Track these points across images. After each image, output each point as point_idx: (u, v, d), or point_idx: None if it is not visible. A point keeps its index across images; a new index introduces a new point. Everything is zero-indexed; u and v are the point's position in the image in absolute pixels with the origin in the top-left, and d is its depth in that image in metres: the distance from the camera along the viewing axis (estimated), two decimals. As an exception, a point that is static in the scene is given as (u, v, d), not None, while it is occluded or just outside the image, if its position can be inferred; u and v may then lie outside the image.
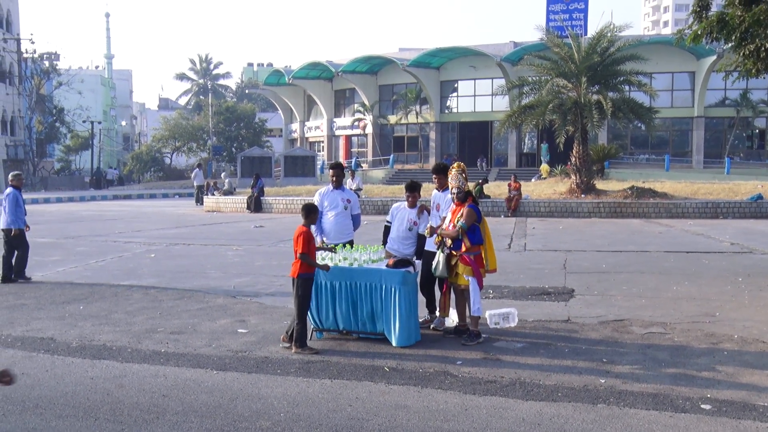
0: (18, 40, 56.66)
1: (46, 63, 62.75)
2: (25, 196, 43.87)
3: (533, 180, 38.61)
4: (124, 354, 7.38)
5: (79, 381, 6.49)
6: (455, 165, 8.07)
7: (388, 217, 8.63)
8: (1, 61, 56.05)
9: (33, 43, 74.77)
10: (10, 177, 12.93)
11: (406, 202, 8.45)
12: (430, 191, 8.71)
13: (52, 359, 7.23)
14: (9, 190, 12.57)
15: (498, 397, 6.04)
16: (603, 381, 6.38)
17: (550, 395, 6.05)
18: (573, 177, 28.19)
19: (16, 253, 12.26)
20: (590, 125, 26.02)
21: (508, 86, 30.71)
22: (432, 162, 47.81)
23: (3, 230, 12.49)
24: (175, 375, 6.66)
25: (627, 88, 28.80)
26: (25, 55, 57.58)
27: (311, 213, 7.88)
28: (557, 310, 9.40)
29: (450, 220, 7.88)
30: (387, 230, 8.53)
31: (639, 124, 32.91)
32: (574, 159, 27.91)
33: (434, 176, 8.61)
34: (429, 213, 8.43)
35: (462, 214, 7.74)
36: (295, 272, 7.44)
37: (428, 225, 8.07)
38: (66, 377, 6.61)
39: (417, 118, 53.98)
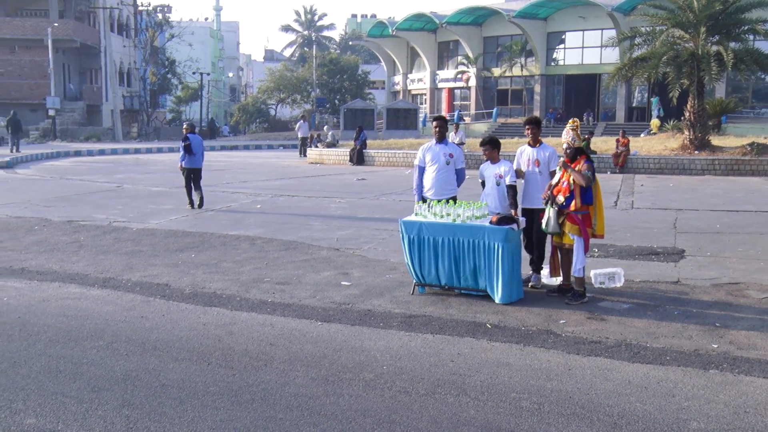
0: (134, -6, 58.62)
1: (160, 16, 64.64)
2: (139, 145, 45.65)
3: (642, 135, 37.19)
4: (234, 302, 7.66)
5: (193, 326, 6.79)
6: (570, 121, 7.86)
7: (480, 176, 8.55)
8: (120, 15, 58.16)
9: (147, -4, 76.94)
10: (185, 125, 15.89)
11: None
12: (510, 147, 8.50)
13: (167, 304, 7.59)
14: (192, 136, 15.28)
15: (603, 358, 5.94)
16: (715, 346, 6.17)
17: (658, 358, 5.90)
18: (686, 132, 26.93)
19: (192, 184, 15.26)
20: (708, 78, 24.65)
21: (619, 37, 29.36)
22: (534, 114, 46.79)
23: (193, 169, 15.21)
24: (282, 324, 6.87)
25: (751, 37, 27.06)
26: (140, 8, 59.52)
27: None
28: (666, 271, 9.10)
29: (562, 178, 7.67)
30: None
31: (763, 76, 30.97)
32: (687, 113, 26.63)
33: (527, 128, 8.39)
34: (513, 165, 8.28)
35: (580, 169, 7.53)
36: None
37: (559, 161, 7.86)
38: (180, 322, 6.94)
39: (522, 70, 52.77)
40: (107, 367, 5.66)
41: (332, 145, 33.40)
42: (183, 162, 15.26)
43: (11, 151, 32.17)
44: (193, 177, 15.22)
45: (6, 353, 5.98)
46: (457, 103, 59.33)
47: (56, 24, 48.54)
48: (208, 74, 75.52)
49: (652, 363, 5.80)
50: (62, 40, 48.90)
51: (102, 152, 37.38)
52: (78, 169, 26.36)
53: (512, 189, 8.08)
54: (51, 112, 46.41)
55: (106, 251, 10.45)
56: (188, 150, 15.11)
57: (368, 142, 31.49)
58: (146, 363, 5.77)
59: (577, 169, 7.54)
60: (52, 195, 17.62)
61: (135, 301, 7.69)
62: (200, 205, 15.14)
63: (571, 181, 7.56)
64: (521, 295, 7.74)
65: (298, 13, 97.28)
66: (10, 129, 33.72)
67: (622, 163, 23.99)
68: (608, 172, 23.10)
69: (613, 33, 39.54)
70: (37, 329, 6.64)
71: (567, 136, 7.72)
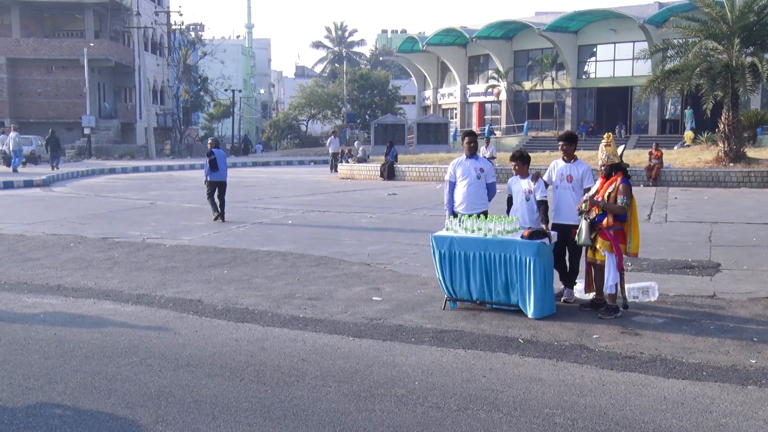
0: (168, 13, 59.51)
1: (192, 34, 65.55)
2: (172, 162, 46.12)
3: (676, 147, 36.79)
4: (266, 318, 7.69)
5: (225, 342, 6.83)
6: (605, 137, 7.79)
7: (507, 191, 8.52)
8: (153, 34, 59.13)
9: (181, 15, 78.69)
10: (210, 141, 16.95)
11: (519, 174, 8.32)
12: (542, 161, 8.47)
13: (200, 320, 7.65)
14: (216, 151, 16.08)
15: (637, 373, 5.86)
16: (753, 361, 6.05)
17: (694, 374, 5.80)
18: (720, 144, 26.56)
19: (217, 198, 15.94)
20: (742, 90, 24.33)
21: (651, 50, 29.12)
22: (568, 129, 46.62)
23: (218, 182, 15.88)
24: (314, 340, 6.88)
25: (787, 48, 26.65)
26: (173, 27, 60.44)
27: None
28: (701, 285, 8.97)
29: (600, 194, 7.59)
30: (510, 202, 8.45)
31: (799, 87, 30.39)
32: (722, 125, 26.27)
33: (561, 144, 8.32)
34: (543, 180, 8.21)
35: (617, 190, 7.45)
36: None
37: (582, 199, 7.76)
38: (213, 338, 6.98)
39: (553, 84, 52.57)
40: (141, 384, 5.71)
41: (363, 160, 33.49)
42: (208, 176, 15.97)
43: (52, 169, 32.93)
44: (218, 190, 15.95)
45: (43, 370, 6.06)
46: (487, 117, 59.24)
47: (92, 44, 49.49)
48: (240, 91, 76.29)
49: (688, 378, 5.71)
50: (97, 60, 49.81)
51: (136, 169, 37.90)
52: (112, 187, 26.76)
53: (543, 204, 8.03)
54: (86, 131, 47.21)
55: (139, 268, 10.58)
56: (213, 165, 15.86)
57: (399, 156, 31.54)
58: (179, 379, 5.81)
59: (611, 190, 7.46)
60: (88, 212, 17.89)
61: (168, 317, 7.77)
62: (222, 218, 15.72)
63: (605, 197, 7.48)
64: (553, 309, 7.68)
65: (328, 30, 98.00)
66: (50, 147, 34.54)
67: (656, 175, 23.76)
68: (641, 185, 22.87)
69: (645, 45, 39.29)
70: (72, 345, 6.73)
71: (601, 153, 7.65)
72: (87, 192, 24.27)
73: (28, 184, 26.88)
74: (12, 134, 32.57)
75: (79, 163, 42.11)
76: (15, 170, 31.85)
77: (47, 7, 52.64)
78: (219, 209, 15.82)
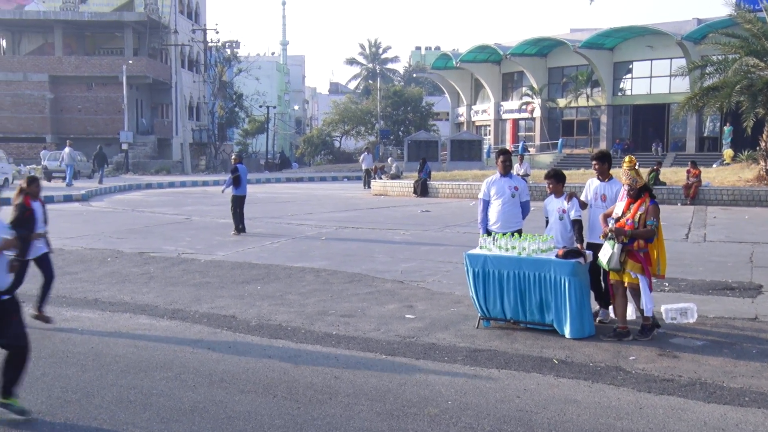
0: (204, 31, 60.36)
1: (228, 51, 66.32)
2: (207, 177, 46.52)
3: (714, 166, 36.24)
4: (299, 335, 7.70)
5: (258, 359, 6.85)
6: (626, 160, 7.63)
7: (544, 212, 8.46)
8: (190, 51, 60.02)
9: (217, 32, 79.90)
10: (234, 156, 17.66)
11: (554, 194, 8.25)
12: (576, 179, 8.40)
13: (234, 336, 7.68)
14: (240, 167, 16.70)
15: (676, 397, 5.75)
16: (796, 388, 5.90)
17: (736, 399, 5.67)
18: (762, 163, 26.10)
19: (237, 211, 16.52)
20: (785, 107, 23.98)
21: (689, 66, 28.83)
22: (603, 147, 46.29)
23: (241, 197, 16.50)
24: (346, 357, 6.87)
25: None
26: (209, 45, 61.28)
27: None
28: (743, 307, 8.78)
29: (629, 215, 7.41)
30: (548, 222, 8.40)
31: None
32: (763, 143, 25.84)
33: (594, 163, 8.25)
34: (578, 199, 8.12)
35: (647, 211, 7.30)
36: None
37: (610, 225, 7.60)
38: (246, 354, 7.01)
39: (587, 101, 52.20)
40: (176, 398, 5.74)
41: (396, 176, 33.53)
42: (234, 191, 16.57)
43: (99, 182, 34.06)
44: (240, 204, 16.58)
45: (80, 383, 6.13)
46: (521, 134, 58.93)
47: (131, 61, 50.37)
48: (275, 107, 76.91)
49: (729, 404, 5.58)
50: (136, 77, 50.68)
51: (171, 185, 38.35)
52: (149, 202, 27.10)
53: (577, 223, 7.95)
54: (124, 146, 47.98)
55: (174, 283, 10.67)
56: (237, 181, 16.51)
57: (432, 173, 31.49)
58: (213, 395, 5.84)
59: (641, 212, 7.31)
60: (124, 227, 18.12)
61: (202, 333, 7.81)
62: (243, 230, 16.44)
63: (636, 219, 7.32)
64: (593, 331, 7.52)
65: (362, 47, 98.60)
66: (97, 162, 36.37)
67: (694, 194, 23.37)
68: (679, 204, 22.55)
69: (682, 62, 38.90)
70: (109, 360, 6.80)
71: (626, 177, 7.48)
72: (124, 207, 24.61)
73: (68, 198, 27.35)
74: (66, 149, 33.94)
75: (117, 178, 42.74)
76: (69, 185, 32.80)
77: (88, 26, 53.83)
78: (238, 223, 16.40)
